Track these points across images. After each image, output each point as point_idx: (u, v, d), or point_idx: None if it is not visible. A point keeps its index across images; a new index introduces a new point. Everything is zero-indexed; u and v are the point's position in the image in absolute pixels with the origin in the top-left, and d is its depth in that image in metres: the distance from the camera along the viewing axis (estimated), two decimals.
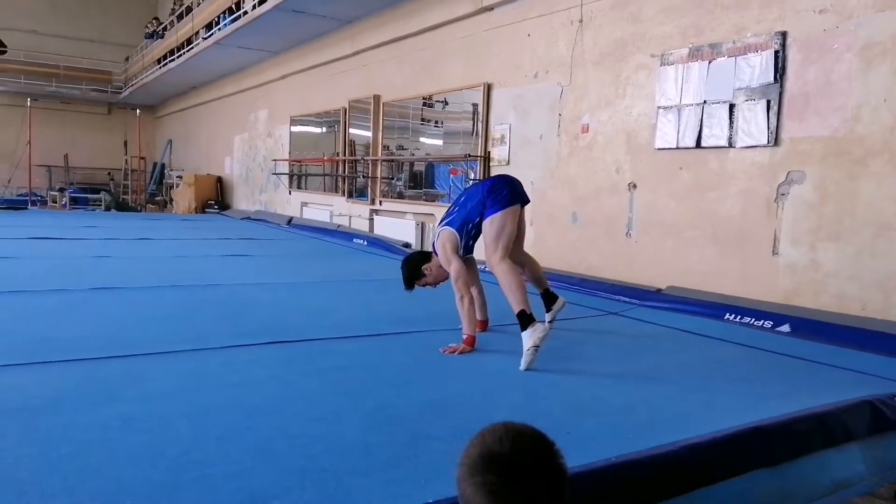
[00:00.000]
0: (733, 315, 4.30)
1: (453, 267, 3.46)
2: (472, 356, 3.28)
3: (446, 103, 7.84)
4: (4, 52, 19.79)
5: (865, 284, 3.92)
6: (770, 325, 4.07)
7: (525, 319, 3.13)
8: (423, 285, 3.71)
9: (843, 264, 4.04)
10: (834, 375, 3.16)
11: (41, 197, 16.69)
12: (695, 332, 4.03)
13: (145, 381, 2.69)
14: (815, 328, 3.88)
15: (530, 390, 2.79)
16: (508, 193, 3.45)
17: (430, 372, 3.04)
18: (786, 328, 3.99)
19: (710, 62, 4.75)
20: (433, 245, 3.66)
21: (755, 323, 4.15)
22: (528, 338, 3.07)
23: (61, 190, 16.07)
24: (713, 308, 4.44)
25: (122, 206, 15.89)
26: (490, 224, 3.41)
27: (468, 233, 3.56)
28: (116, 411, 2.32)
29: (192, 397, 2.53)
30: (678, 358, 3.42)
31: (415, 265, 3.67)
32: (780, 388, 2.89)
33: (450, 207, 3.70)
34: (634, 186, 5.35)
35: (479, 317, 3.72)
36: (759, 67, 4.43)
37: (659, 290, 4.95)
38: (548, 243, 6.20)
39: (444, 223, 3.61)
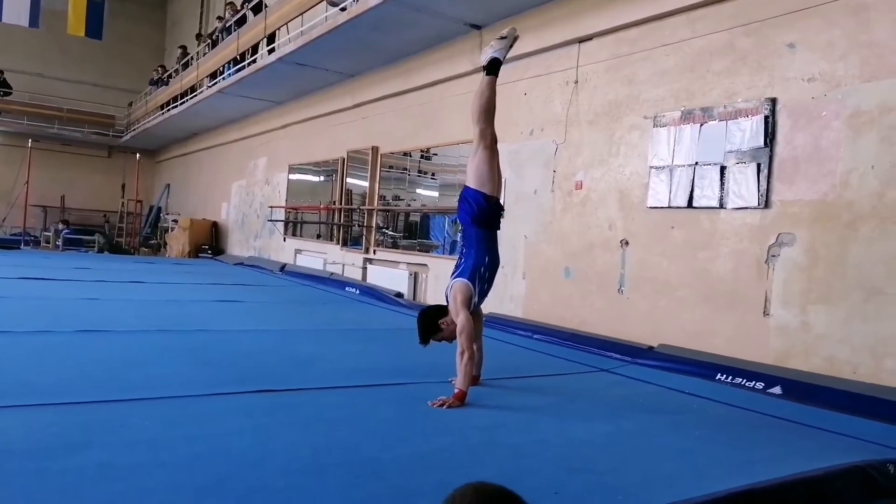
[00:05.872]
0: (725, 375, 4.26)
1: (461, 319, 3.44)
2: (461, 410, 3.23)
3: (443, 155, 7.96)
4: (10, 93, 20.09)
5: (856, 348, 3.92)
6: (762, 387, 4.04)
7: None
8: (439, 340, 3.60)
9: (833, 327, 4.04)
10: (825, 439, 3.13)
11: (34, 237, 16.67)
12: (686, 391, 4.00)
13: (125, 428, 2.63)
14: (806, 391, 3.85)
15: (518, 448, 2.74)
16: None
17: (417, 426, 2.99)
18: (777, 390, 3.96)
19: (701, 125, 4.86)
20: (446, 297, 3.63)
21: (746, 384, 4.12)
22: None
23: (57, 231, 16.03)
24: (705, 368, 4.41)
25: (115, 249, 15.86)
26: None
27: (481, 278, 3.57)
28: (94, 458, 2.27)
29: (173, 446, 2.47)
30: (669, 418, 3.37)
31: (431, 319, 3.58)
32: (771, 451, 2.85)
33: (457, 261, 3.71)
34: (627, 243, 5.39)
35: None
36: (749, 132, 4.53)
37: (651, 348, 4.93)
38: (540, 297, 6.20)
39: (455, 275, 3.62)
